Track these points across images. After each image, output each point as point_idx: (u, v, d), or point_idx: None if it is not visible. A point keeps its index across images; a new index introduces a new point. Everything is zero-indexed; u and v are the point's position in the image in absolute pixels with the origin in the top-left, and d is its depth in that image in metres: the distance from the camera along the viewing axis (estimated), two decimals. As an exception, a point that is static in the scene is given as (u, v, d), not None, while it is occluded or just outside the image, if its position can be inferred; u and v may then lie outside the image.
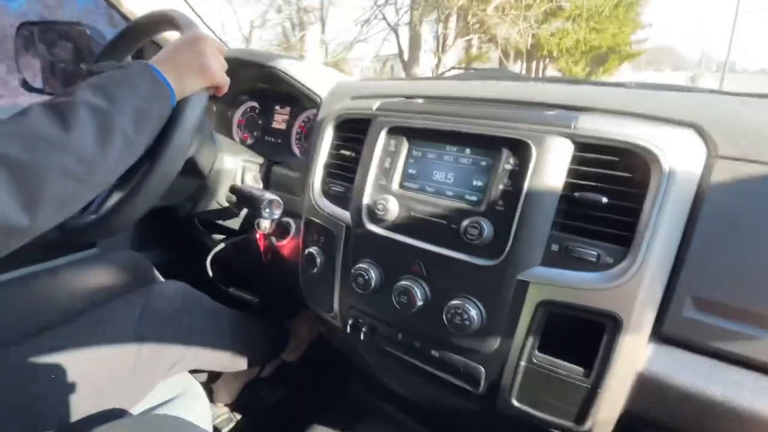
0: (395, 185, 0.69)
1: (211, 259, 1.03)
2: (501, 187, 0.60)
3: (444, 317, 0.62)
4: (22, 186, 0.46)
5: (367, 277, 0.69)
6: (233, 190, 0.88)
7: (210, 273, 1.02)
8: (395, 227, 0.68)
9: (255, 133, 1.18)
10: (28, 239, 0.49)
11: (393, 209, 0.67)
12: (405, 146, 0.69)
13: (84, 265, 1.02)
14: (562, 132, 0.57)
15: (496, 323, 0.61)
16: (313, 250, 0.80)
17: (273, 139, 1.14)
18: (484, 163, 0.62)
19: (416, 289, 0.65)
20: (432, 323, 0.65)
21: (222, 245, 1.03)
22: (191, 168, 0.81)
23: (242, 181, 0.94)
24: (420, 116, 0.68)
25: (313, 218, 0.81)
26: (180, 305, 0.88)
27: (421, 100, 0.73)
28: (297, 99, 1.07)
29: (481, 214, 0.61)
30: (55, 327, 0.79)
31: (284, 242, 0.94)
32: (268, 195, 0.81)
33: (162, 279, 1.12)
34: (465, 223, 0.61)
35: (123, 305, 0.85)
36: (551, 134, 0.58)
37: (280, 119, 1.13)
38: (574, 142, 0.57)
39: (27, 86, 1.06)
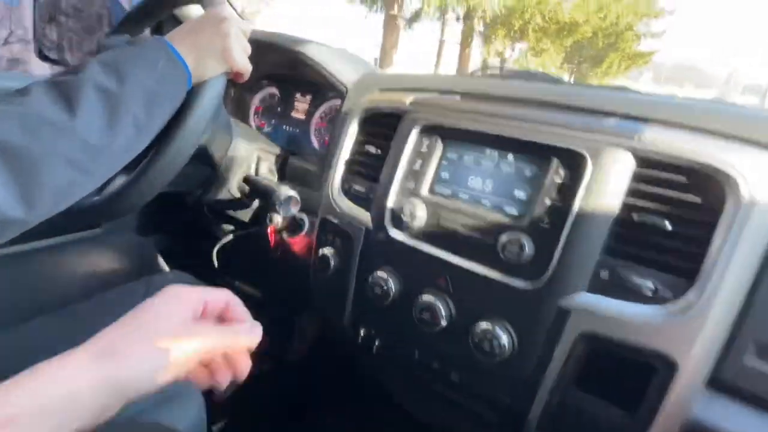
0: (425, 189, 0.63)
1: (218, 250, 0.97)
2: (547, 201, 0.53)
3: (470, 340, 0.56)
4: (19, 175, 0.41)
5: (385, 288, 0.63)
6: (247, 180, 0.83)
7: (216, 264, 0.97)
8: (421, 235, 0.62)
9: (272, 121, 1.12)
10: (23, 230, 0.44)
11: (420, 215, 0.61)
12: (439, 147, 0.63)
13: (85, 247, 0.97)
14: (623, 144, 0.51)
15: (528, 352, 0.54)
16: (327, 251, 0.74)
17: (291, 129, 1.08)
18: (528, 173, 0.56)
19: (440, 306, 0.58)
20: (455, 345, 0.59)
21: (230, 236, 0.97)
22: (203, 154, 0.75)
23: (256, 170, 0.88)
24: (458, 115, 0.61)
25: (329, 217, 0.75)
26: None
27: (458, 97, 0.67)
28: (320, 87, 1.01)
29: (522, 229, 0.54)
30: (46, 313, 0.74)
31: (296, 239, 0.88)
32: (286, 190, 0.75)
33: (165, 266, 1.07)
34: (503, 238, 0.54)
35: (120, 296, 0.80)
36: (611, 146, 0.51)
37: (300, 108, 1.07)
38: (637, 157, 0.50)
39: (43, 56, 1.02)
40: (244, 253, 1.06)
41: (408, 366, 0.67)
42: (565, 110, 0.58)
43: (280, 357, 1.33)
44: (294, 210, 0.76)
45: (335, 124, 0.84)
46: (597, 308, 0.50)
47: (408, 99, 0.67)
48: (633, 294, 0.50)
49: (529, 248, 0.53)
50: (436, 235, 0.61)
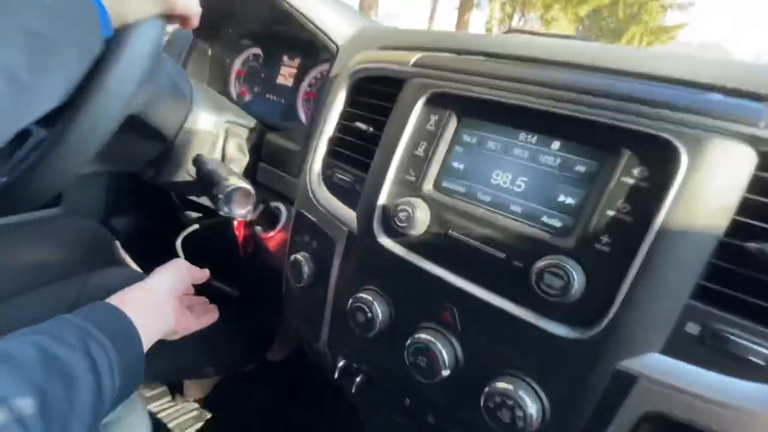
0: (428, 183, 0.45)
1: (183, 242, 0.81)
2: (611, 212, 0.35)
3: (482, 403, 0.39)
4: None
5: (369, 315, 0.46)
6: (195, 161, 0.66)
7: (181, 256, 0.81)
8: (421, 248, 0.45)
9: (255, 89, 0.94)
10: None
11: (421, 220, 0.44)
12: (451, 125, 0.45)
13: (34, 230, 0.82)
14: (739, 132, 0.32)
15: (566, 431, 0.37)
16: (300, 256, 0.57)
17: (275, 98, 0.90)
18: (583, 169, 0.38)
19: (442, 350, 0.42)
20: (461, 405, 0.43)
21: (195, 226, 0.81)
22: (144, 126, 0.58)
23: (223, 149, 0.71)
24: (480, 80, 0.43)
25: (305, 212, 0.58)
26: None
27: (481, 58, 0.48)
28: (310, 48, 0.83)
29: (570, 252, 0.37)
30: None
31: (271, 234, 0.72)
32: (234, 180, 0.58)
33: (125, 256, 0.92)
34: (540, 263, 0.37)
35: (50, 296, 0.65)
36: (720, 134, 0.33)
37: (286, 73, 0.89)
38: (760, 153, 0.32)
39: None
40: (214, 245, 0.90)
41: (396, 414, 0.51)
42: (643, 80, 0.40)
43: (262, 357, 1.20)
44: (241, 210, 0.59)
45: (323, 91, 0.66)
46: (678, 378, 0.33)
47: (413, 58, 0.49)
48: (736, 362, 0.32)
49: (578, 281, 0.35)
50: (441, 249, 0.43)
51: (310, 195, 0.57)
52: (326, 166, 0.58)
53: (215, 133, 0.69)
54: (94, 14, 0.39)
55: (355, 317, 0.48)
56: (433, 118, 0.45)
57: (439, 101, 0.45)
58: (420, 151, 0.46)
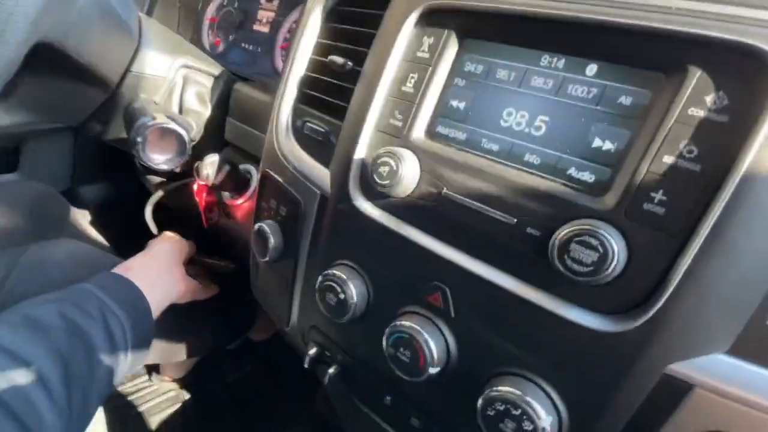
0: (419, 129, 0.35)
1: (153, 209, 0.71)
2: (669, 158, 0.25)
3: (479, 411, 0.30)
4: None
5: (342, 296, 0.37)
6: (127, 108, 0.54)
7: (152, 228, 0.71)
8: (407, 212, 0.35)
9: (230, 38, 0.82)
10: None
11: (407, 177, 0.34)
12: (451, 49, 0.34)
13: None
14: None
15: (591, 451, 0.28)
16: (266, 225, 0.47)
17: (251, 47, 0.78)
18: (629, 100, 0.27)
19: (429, 341, 0.32)
20: (451, 409, 0.34)
21: (159, 193, 0.71)
22: (78, 67, 0.47)
23: (180, 99, 0.60)
24: (491, -11, 0.32)
25: (271, 172, 0.48)
26: (71, 276, 0.57)
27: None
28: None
29: (606, 215, 0.27)
30: None
31: (240, 201, 0.62)
32: (153, 119, 0.46)
33: (84, 226, 0.82)
34: (564, 231, 0.27)
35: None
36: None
37: (264, 18, 0.77)
38: None
39: None
40: (181, 212, 0.80)
41: (374, 413, 0.42)
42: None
43: (243, 336, 1.12)
44: (158, 156, 0.48)
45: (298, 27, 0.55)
46: (752, 389, 0.24)
47: (402, -32, 0.38)
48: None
49: (617, 254, 0.26)
50: (432, 213, 0.33)
51: (277, 150, 0.47)
52: (296, 113, 0.47)
53: (170, 80, 0.58)
54: None
55: (325, 298, 0.38)
56: (427, 41, 0.34)
57: (434, 19, 0.34)
58: (409, 87, 0.35)
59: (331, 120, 0.43)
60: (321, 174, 0.42)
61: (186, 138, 0.50)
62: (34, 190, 0.77)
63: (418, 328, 0.32)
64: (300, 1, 0.72)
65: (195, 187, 0.60)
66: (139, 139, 0.45)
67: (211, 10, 0.85)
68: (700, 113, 0.24)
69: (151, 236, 0.67)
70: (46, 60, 0.43)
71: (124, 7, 0.53)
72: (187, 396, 1.09)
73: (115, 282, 0.47)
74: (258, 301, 0.57)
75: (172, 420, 1.01)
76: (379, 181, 0.34)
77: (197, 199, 0.60)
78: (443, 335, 0.33)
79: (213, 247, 0.79)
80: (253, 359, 1.13)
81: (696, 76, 0.25)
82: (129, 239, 0.72)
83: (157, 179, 0.77)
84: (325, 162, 0.43)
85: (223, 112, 0.65)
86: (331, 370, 0.44)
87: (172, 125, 0.47)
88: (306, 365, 0.46)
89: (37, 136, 0.89)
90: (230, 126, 0.65)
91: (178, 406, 1.07)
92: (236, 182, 0.62)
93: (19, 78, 0.49)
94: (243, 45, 0.80)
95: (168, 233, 0.61)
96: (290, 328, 0.50)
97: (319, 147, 0.44)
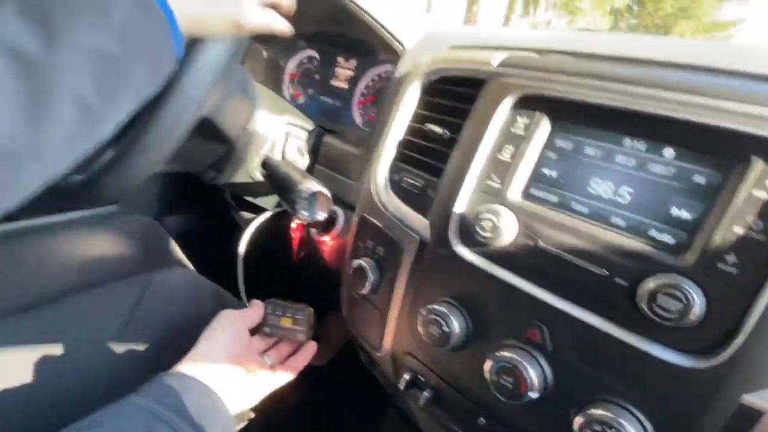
0: (515, 192, 0.42)
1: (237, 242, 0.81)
2: (739, 229, 0.32)
3: (577, 429, 0.36)
4: None
5: (446, 329, 0.44)
6: (265, 164, 0.65)
7: (240, 268, 0.79)
8: (506, 260, 0.42)
9: (309, 91, 0.94)
10: None
11: (508, 230, 0.41)
12: (543, 130, 0.42)
13: (93, 227, 0.84)
14: None
15: (677, 469, 0.34)
16: (364, 263, 0.55)
17: (330, 101, 0.89)
18: (702, 180, 0.34)
19: (530, 371, 0.38)
20: (545, 428, 0.40)
21: (252, 229, 0.81)
22: (214, 127, 0.58)
23: (282, 151, 0.70)
24: (579, 81, 0.40)
25: (370, 218, 0.56)
26: (186, 300, 0.67)
27: (570, 57, 0.45)
28: (369, 48, 0.81)
29: (687, 271, 0.33)
30: (32, 308, 0.61)
31: (327, 238, 0.71)
32: (311, 184, 0.56)
33: (181, 257, 0.93)
34: (650, 283, 0.33)
35: (113, 293, 0.65)
36: None
37: (342, 75, 0.88)
38: None
39: None
40: (268, 248, 0.89)
41: (467, 431, 0.48)
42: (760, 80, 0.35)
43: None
44: (321, 213, 0.58)
45: (386, 93, 0.64)
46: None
47: (497, 58, 0.46)
48: None
49: (698, 303, 0.32)
50: (529, 262, 0.40)
51: (376, 199, 0.56)
52: (393, 169, 0.56)
53: (276, 135, 0.69)
54: (166, 32, 0.36)
55: (429, 330, 0.45)
56: (522, 121, 0.42)
57: (528, 103, 0.42)
58: (505, 156, 0.43)
59: (428, 177, 0.51)
60: (418, 221, 0.50)
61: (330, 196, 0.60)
62: (139, 221, 0.88)
63: (520, 359, 0.39)
64: (375, 64, 0.82)
65: (294, 225, 0.69)
66: (303, 201, 0.55)
67: (291, 66, 0.97)
68: (763, 195, 0.31)
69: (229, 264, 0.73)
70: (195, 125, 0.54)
71: (247, 78, 0.64)
72: (251, 415, 1.17)
73: (189, 394, 0.44)
74: (349, 326, 0.65)
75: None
76: (481, 233, 0.41)
77: (294, 234, 0.70)
78: (540, 366, 0.39)
79: (294, 281, 0.88)
80: (312, 383, 1.20)
81: (758, 164, 0.31)
82: (213, 268, 0.82)
83: (248, 215, 0.87)
84: (422, 211, 0.51)
85: (313, 160, 0.75)
86: (425, 393, 0.50)
87: (327, 191, 0.58)
88: (401, 388, 0.52)
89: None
90: (319, 172, 0.74)
91: (242, 425, 1.14)
92: (324, 221, 0.71)
93: None
94: (321, 98, 0.90)
95: (224, 314, 0.55)
96: (382, 353, 0.57)
97: (416, 199, 0.52)
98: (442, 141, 0.50)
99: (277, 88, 0.98)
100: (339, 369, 1.20)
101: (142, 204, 1.07)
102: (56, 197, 0.56)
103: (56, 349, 0.57)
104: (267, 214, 0.73)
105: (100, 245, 0.83)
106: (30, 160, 0.30)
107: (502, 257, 0.42)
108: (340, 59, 0.89)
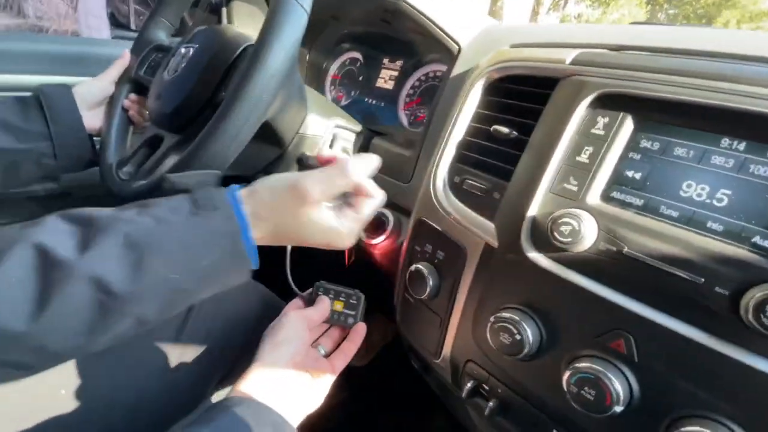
0: (595, 195, 0.41)
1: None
2: None
3: (669, 448, 0.34)
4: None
5: (518, 336, 0.42)
6: (300, 161, 0.64)
7: (288, 273, 0.78)
8: (585, 267, 0.40)
9: (352, 93, 0.93)
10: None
11: (587, 235, 0.39)
12: (626, 129, 0.40)
13: None
14: None
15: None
16: (423, 267, 0.54)
17: (374, 102, 0.89)
18: (817, 181, 0.32)
19: (614, 383, 0.37)
20: (632, 443, 0.38)
21: None
22: (270, 132, 0.58)
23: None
24: (665, 78, 0.38)
25: (429, 221, 0.55)
26: (233, 299, 0.67)
27: (648, 53, 0.43)
28: (415, 49, 0.81)
29: (801, 281, 0.31)
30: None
31: (377, 241, 0.70)
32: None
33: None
34: (757, 293, 0.31)
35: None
36: None
37: (387, 76, 0.87)
38: None
39: (114, 20, 0.91)
40: (316, 252, 0.89)
41: (535, 444, 0.47)
42: None
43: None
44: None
45: (441, 93, 0.63)
46: None
47: (569, 56, 0.44)
48: None
49: (814, 316, 0.29)
50: (612, 269, 0.38)
51: (435, 202, 0.54)
52: (454, 171, 0.54)
53: (324, 137, 0.68)
54: (246, 272, 0.40)
55: (499, 338, 0.44)
56: (602, 120, 0.41)
57: (608, 102, 0.41)
58: (584, 158, 0.41)
59: (494, 179, 0.50)
60: (483, 225, 0.49)
61: None
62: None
63: (603, 370, 0.37)
64: (422, 63, 0.81)
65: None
66: None
67: (334, 68, 0.97)
68: None
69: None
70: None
71: (301, 83, 0.64)
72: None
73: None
74: (401, 331, 0.64)
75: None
76: (560, 238, 0.40)
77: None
78: (625, 377, 0.37)
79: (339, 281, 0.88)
80: (351, 384, 1.19)
81: None
82: (269, 274, 0.82)
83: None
84: (486, 215, 0.49)
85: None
86: (490, 404, 0.49)
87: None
88: (463, 396, 0.51)
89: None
90: (368, 174, 0.74)
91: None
92: (373, 224, 0.71)
93: None
94: (366, 100, 0.90)
95: (287, 317, 0.52)
96: (440, 359, 0.56)
97: (479, 201, 0.51)
98: (509, 142, 0.49)
99: (319, 90, 0.98)
100: (379, 372, 1.19)
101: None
102: (116, 202, 0.57)
103: (113, 354, 0.58)
104: None
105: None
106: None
107: (581, 263, 0.40)
108: (385, 60, 0.88)
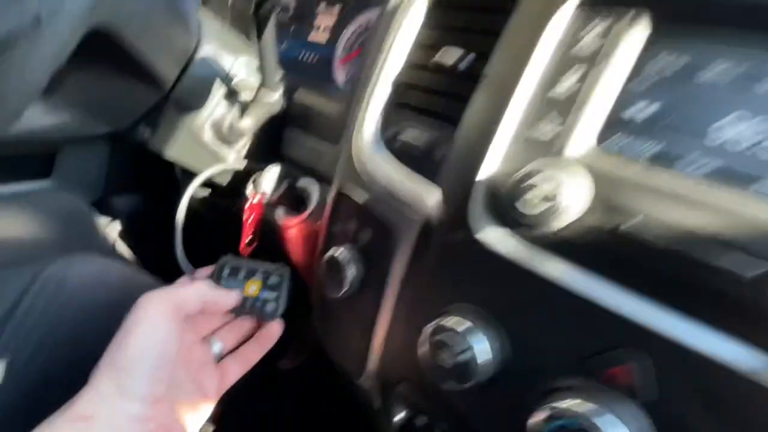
0: (582, 142, 0.27)
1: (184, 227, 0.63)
2: None
3: None
4: None
5: (465, 357, 0.28)
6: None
7: (178, 249, 0.62)
8: (568, 252, 0.26)
9: (282, 45, 0.76)
10: None
11: (570, 203, 0.25)
12: (636, 38, 0.26)
13: (13, 203, 0.66)
14: None
15: None
16: (340, 255, 0.39)
17: (307, 57, 0.72)
18: None
19: (609, 433, 0.23)
20: None
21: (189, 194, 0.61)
22: (130, 60, 0.41)
23: (236, 104, 0.53)
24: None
25: (351, 192, 0.40)
26: (94, 297, 0.49)
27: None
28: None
29: None
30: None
31: (293, 221, 0.54)
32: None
33: (117, 242, 0.75)
34: None
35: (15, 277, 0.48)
36: None
37: (321, 25, 0.71)
38: None
39: None
40: (221, 231, 0.72)
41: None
42: None
43: (270, 363, 1.02)
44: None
45: (375, 26, 0.48)
46: None
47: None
48: None
49: None
50: (610, 254, 0.25)
51: (359, 166, 0.39)
52: (387, 122, 0.39)
53: (226, 81, 0.52)
54: None
55: (438, 356, 0.29)
56: (596, 29, 0.27)
57: (602, 7, 0.27)
58: (565, 88, 0.27)
59: (436, 128, 0.35)
60: (421, 193, 0.34)
61: None
62: (63, 202, 0.70)
63: (597, 411, 0.23)
64: (361, 8, 0.66)
65: (246, 204, 0.52)
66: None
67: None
68: None
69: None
70: (99, 52, 0.37)
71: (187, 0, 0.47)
72: (210, 429, 1.00)
73: None
74: (320, 340, 0.49)
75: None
76: (524, 211, 0.26)
77: (248, 214, 0.53)
78: (631, 426, 0.23)
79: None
80: (279, 390, 1.03)
81: None
82: (163, 254, 0.64)
83: (203, 193, 0.70)
84: (428, 179, 0.35)
85: (280, 122, 0.58)
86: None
87: None
88: (390, 425, 0.36)
89: (74, 143, 0.84)
90: (288, 137, 0.58)
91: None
92: (292, 200, 0.55)
93: (66, 72, 0.42)
94: (298, 55, 0.73)
95: (147, 299, 0.34)
96: (364, 379, 0.41)
97: (419, 162, 0.36)
98: (458, 75, 0.34)
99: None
100: (314, 376, 1.04)
101: (84, 180, 0.89)
102: None
103: None
104: (211, 172, 0.54)
105: (14, 224, 0.65)
106: None
107: (559, 246, 0.26)
108: (321, 5, 0.72)
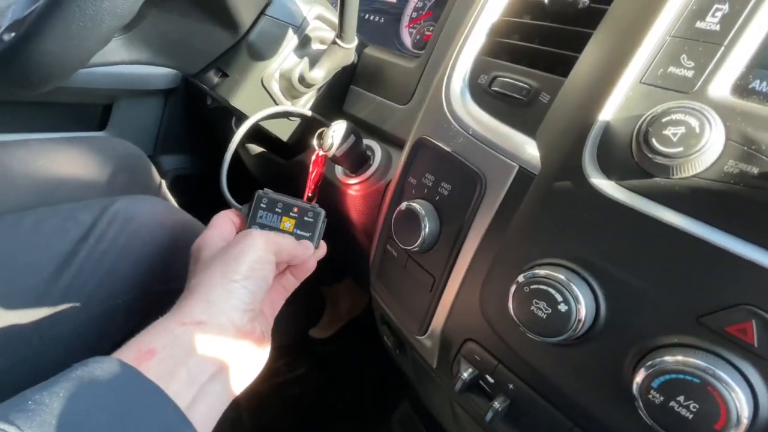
0: (723, 84, 0.25)
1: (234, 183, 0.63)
2: None
3: None
4: None
5: (566, 307, 0.26)
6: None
7: (225, 192, 0.61)
8: (698, 202, 0.24)
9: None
10: None
11: (712, 144, 0.23)
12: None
13: (74, 147, 0.68)
14: None
15: None
16: (417, 206, 0.37)
17: (375, 18, 0.71)
18: None
19: (738, 393, 0.21)
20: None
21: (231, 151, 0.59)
22: (208, 5, 0.40)
23: (305, 54, 0.52)
24: None
25: (432, 139, 0.38)
26: (154, 236, 0.49)
27: None
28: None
29: None
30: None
31: (356, 180, 0.53)
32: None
33: (166, 192, 0.76)
34: None
35: (69, 213, 0.49)
36: None
37: (391, -14, 0.70)
38: None
39: None
40: (278, 184, 0.71)
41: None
42: None
43: (302, 334, 1.03)
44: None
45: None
46: None
47: None
48: None
49: None
50: (748, 207, 0.23)
51: (448, 112, 0.38)
52: (479, 68, 0.38)
53: (299, 31, 0.51)
54: None
55: (530, 307, 0.28)
56: (751, -40, 0.24)
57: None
58: (712, 23, 0.25)
59: (541, 75, 0.33)
60: (517, 142, 0.33)
61: None
62: (122, 148, 0.71)
63: (718, 370, 0.21)
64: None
65: (311, 159, 0.51)
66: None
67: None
68: None
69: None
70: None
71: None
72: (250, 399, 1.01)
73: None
74: (373, 294, 0.48)
75: (222, 416, 0.93)
76: (663, 148, 0.24)
77: (313, 169, 0.52)
78: (751, 386, 0.22)
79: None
80: (308, 359, 1.04)
81: None
82: (207, 214, 0.65)
83: (257, 149, 0.69)
84: (527, 128, 0.33)
85: (347, 80, 0.57)
86: (495, 404, 0.33)
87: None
88: (456, 389, 0.35)
89: (129, 97, 0.85)
90: (354, 95, 0.56)
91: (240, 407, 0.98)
92: (354, 159, 0.54)
93: (146, 10, 0.42)
94: (365, 16, 0.72)
95: (255, 233, 0.36)
96: (426, 336, 0.40)
97: (516, 110, 0.34)
98: (573, 16, 0.32)
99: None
100: (342, 347, 1.04)
101: (142, 138, 0.91)
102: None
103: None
104: (275, 110, 0.52)
105: (76, 166, 0.66)
106: None
107: (689, 196, 0.24)
108: (390, -34, 0.70)
